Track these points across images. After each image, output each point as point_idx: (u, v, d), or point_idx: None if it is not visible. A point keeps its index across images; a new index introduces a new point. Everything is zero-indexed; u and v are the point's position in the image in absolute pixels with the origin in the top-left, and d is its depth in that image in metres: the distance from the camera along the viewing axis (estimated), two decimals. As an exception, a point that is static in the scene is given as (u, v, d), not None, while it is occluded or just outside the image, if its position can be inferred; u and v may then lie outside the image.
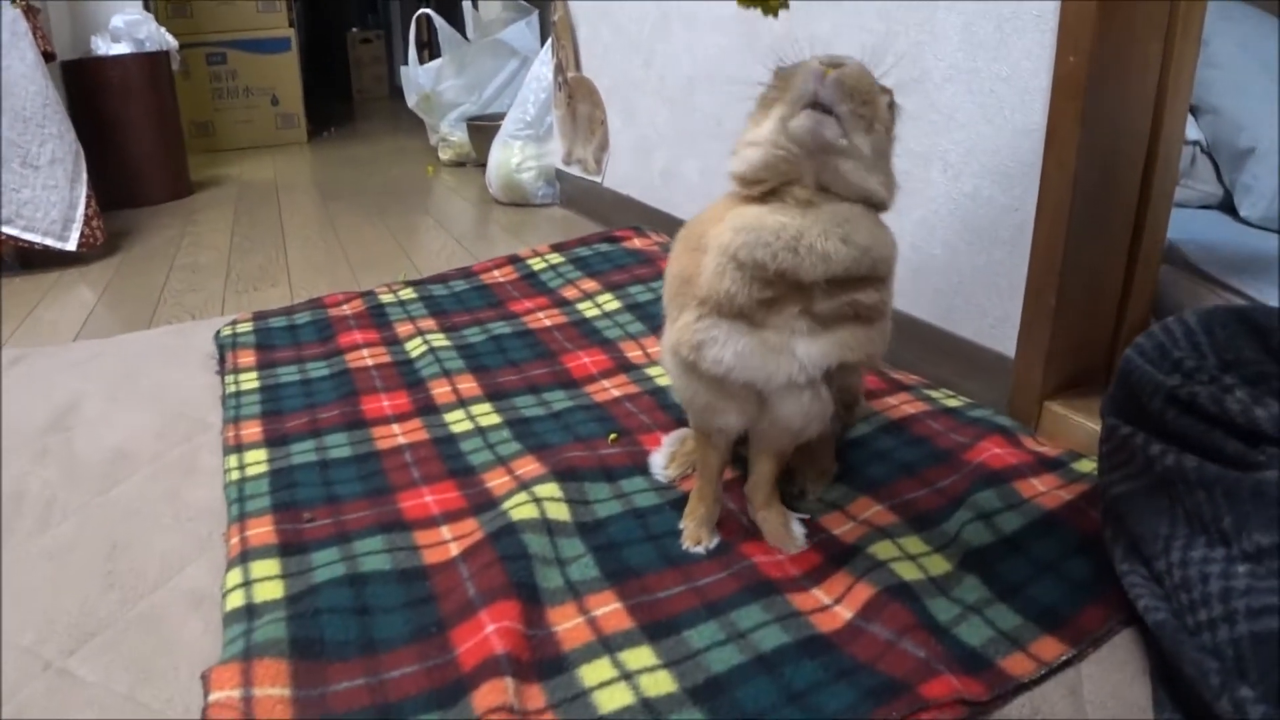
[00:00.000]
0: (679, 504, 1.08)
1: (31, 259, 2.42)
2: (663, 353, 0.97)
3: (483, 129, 3.23)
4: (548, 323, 1.66)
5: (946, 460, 1.14)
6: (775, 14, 0.89)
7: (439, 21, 3.54)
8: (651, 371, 1.44)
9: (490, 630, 0.86)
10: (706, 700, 0.80)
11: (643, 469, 1.16)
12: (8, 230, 2.33)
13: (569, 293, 1.78)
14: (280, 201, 3.22)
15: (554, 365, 1.49)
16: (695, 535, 1.02)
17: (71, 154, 2.47)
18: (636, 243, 1.98)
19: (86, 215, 2.45)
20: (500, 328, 1.64)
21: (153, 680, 0.88)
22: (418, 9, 3.72)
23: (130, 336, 1.83)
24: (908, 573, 0.94)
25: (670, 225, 2.13)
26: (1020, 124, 1.22)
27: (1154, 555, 0.79)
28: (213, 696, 0.81)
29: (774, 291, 0.84)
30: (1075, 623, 0.88)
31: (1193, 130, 1.78)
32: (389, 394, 1.42)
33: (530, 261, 1.97)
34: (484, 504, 1.11)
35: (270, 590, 0.97)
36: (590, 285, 1.79)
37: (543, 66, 2.85)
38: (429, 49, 3.95)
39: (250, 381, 1.50)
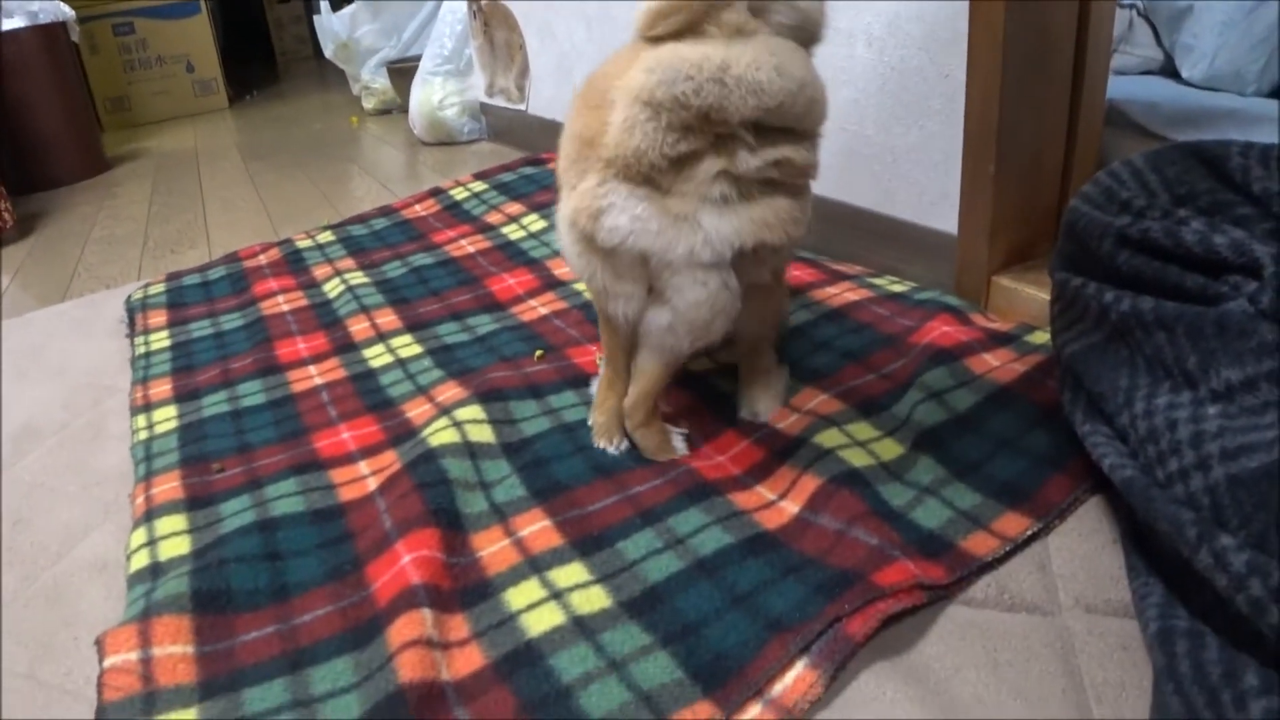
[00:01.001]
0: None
1: (-66, 245, 2.29)
2: (559, 225, 0.87)
3: (404, 72, 3.09)
4: (471, 249, 1.57)
5: (893, 344, 1.08)
6: None
7: (349, -35, 3.39)
8: (580, 286, 1.35)
9: (406, 561, 0.79)
10: (644, 613, 0.73)
11: (572, 383, 1.08)
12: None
13: (493, 218, 1.69)
14: (200, 168, 3.08)
15: (477, 290, 1.40)
16: (606, 431, 0.95)
17: (-31, 136, 2.34)
18: (562, 163, 1.89)
19: (-8, 198, 2.33)
20: (421, 259, 1.55)
21: (53, 655, 0.82)
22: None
23: (40, 313, 1.73)
24: (857, 459, 0.87)
25: (599, 145, 2.04)
26: (944, -15, 1.14)
27: (1116, 410, 0.72)
28: (108, 662, 0.74)
29: (692, 144, 0.74)
30: (1039, 496, 0.82)
31: (1128, -7, 1.72)
32: (305, 337, 1.33)
33: (453, 192, 1.87)
34: (404, 435, 1.03)
35: (176, 547, 0.90)
36: (515, 208, 1.69)
37: (457, -2, 2.73)
38: (344, -5, 3.79)
39: (161, 341, 1.41)
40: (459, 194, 1.85)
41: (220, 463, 1.03)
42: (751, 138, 0.75)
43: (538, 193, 1.73)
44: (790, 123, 0.77)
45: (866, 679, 0.67)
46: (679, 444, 0.95)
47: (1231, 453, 0.59)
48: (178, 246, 2.13)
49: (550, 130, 2.29)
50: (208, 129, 3.97)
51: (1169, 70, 1.74)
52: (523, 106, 2.45)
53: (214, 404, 1.18)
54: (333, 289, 1.48)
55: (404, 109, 3.14)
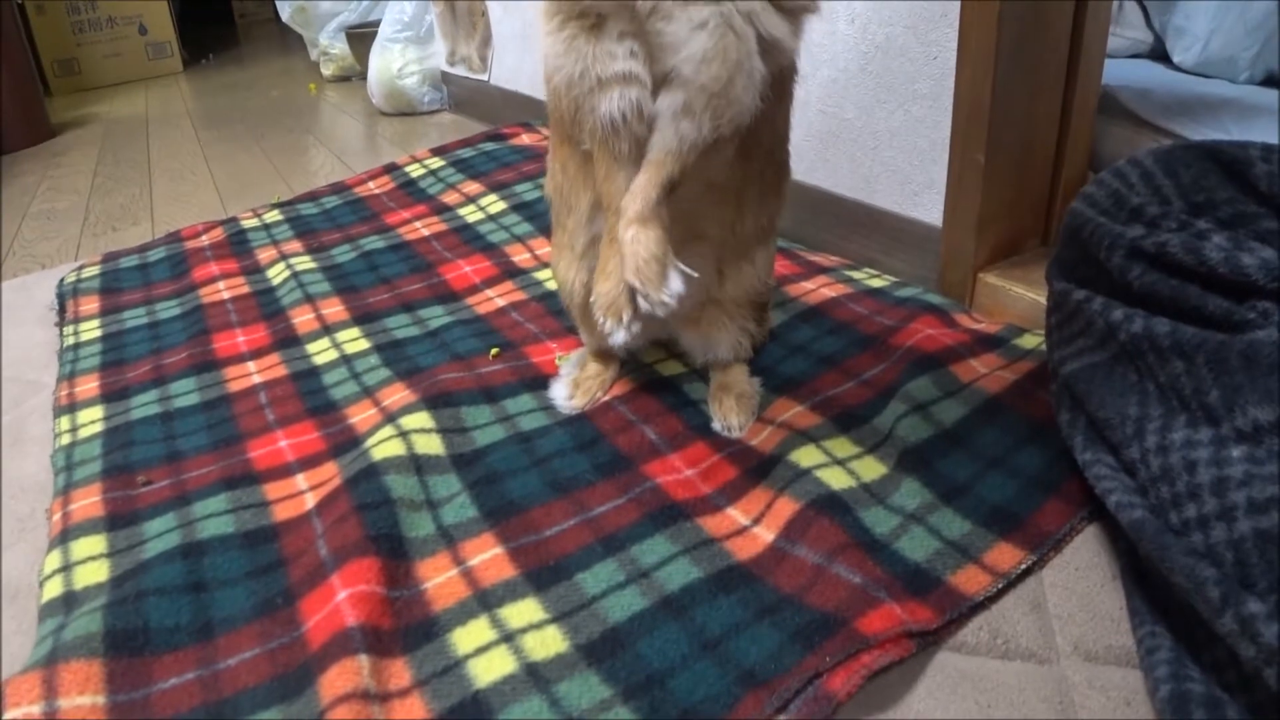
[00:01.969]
0: (570, 424, 0.93)
1: None
2: (540, 21, 0.75)
3: (363, 37, 2.97)
4: (425, 232, 1.48)
5: (873, 347, 1.01)
6: None
7: (307, -77, 3.25)
8: (541, 275, 1.27)
9: (342, 597, 0.71)
10: (604, 659, 0.66)
11: (529, 385, 1.01)
12: None
13: (450, 198, 1.60)
14: (150, 136, 2.95)
15: (431, 278, 1.32)
16: (613, 308, 0.80)
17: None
18: (525, 138, 1.79)
19: (-80, 167, 2.21)
20: (373, 242, 1.46)
21: (-51, 697, 0.73)
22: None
23: (-34, 297, 1.62)
24: (837, 480, 0.80)
25: (564, 120, 1.95)
26: (933, -42, 1.06)
27: (1124, 441, 0.66)
28: (9, 715, 0.66)
29: None
30: (1032, 523, 0.75)
31: (1119, -28, 1.65)
32: (245, 328, 1.24)
33: (409, 169, 1.77)
34: (346, 444, 0.95)
35: (93, 573, 0.82)
36: (473, 188, 1.60)
37: (418, -39, 2.61)
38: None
39: (91, 331, 1.31)
40: (415, 170, 1.76)
41: (146, 475, 0.95)
42: None
43: (497, 170, 1.64)
44: None
45: (849, 741, 0.61)
46: (675, 283, 0.77)
47: (1260, 505, 0.52)
48: (120, 223, 2.02)
49: (513, 102, 2.21)
50: (160, 94, 3.83)
51: (1159, 53, 1.67)
52: (485, 76, 2.34)
53: (143, 404, 1.09)
54: (277, 275, 1.39)
55: (363, 76, 3.03)
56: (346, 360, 1.11)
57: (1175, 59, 1.61)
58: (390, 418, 0.95)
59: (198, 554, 0.81)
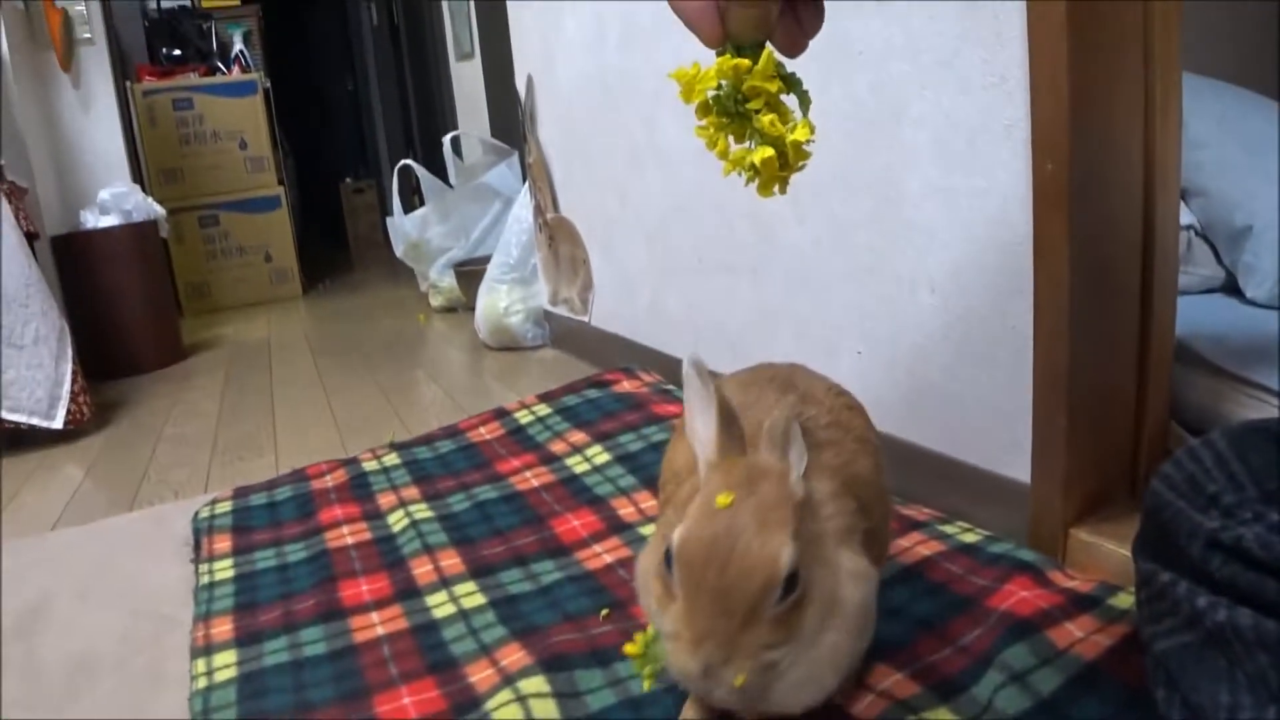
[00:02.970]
0: (678, 690, 0.97)
1: (19, 438, 2.37)
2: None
3: (470, 275, 3.20)
4: (535, 483, 1.57)
5: (969, 609, 1.04)
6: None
7: (421, 171, 3.56)
8: (645, 530, 1.34)
9: None
10: None
11: (638, 648, 1.06)
12: (-5, 412, 2.30)
13: (557, 446, 1.70)
14: (272, 361, 3.19)
15: (542, 531, 1.40)
16: None
17: (55, 331, 2.45)
18: (626, 385, 1.91)
19: (73, 391, 2.43)
20: (486, 492, 1.55)
21: None
22: (404, 159, 3.75)
23: (108, 523, 1.76)
24: (939, 754, 0.83)
25: (658, 361, 2.07)
26: (1005, 237, 1.15)
27: (1216, 728, 0.68)
28: None
29: None
30: (1134, 800, 0.77)
31: (1185, 215, 1.72)
32: (368, 577, 1.33)
33: (517, 415, 1.89)
34: (466, 704, 1.00)
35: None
36: (578, 437, 1.70)
37: (522, 209, 2.83)
38: (417, 195, 3.98)
39: (225, 570, 1.41)
40: (523, 417, 1.87)
41: (279, 728, 1.01)
42: None
43: (602, 420, 1.74)
44: None
45: None
46: None
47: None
48: (246, 452, 2.18)
49: (610, 342, 2.35)
50: (281, 318, 4.13)
51: (1230, 287, 1.72)
52: (585, 318, 2.51)
53: (275, 650, 1.16)
54: (397, 522, 1.48)
55: (469, 307, 3.24)
56: (464, 615, 1.18)
57: (1248, 294, 1.65)
58: (508, 679, 1.00)
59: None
